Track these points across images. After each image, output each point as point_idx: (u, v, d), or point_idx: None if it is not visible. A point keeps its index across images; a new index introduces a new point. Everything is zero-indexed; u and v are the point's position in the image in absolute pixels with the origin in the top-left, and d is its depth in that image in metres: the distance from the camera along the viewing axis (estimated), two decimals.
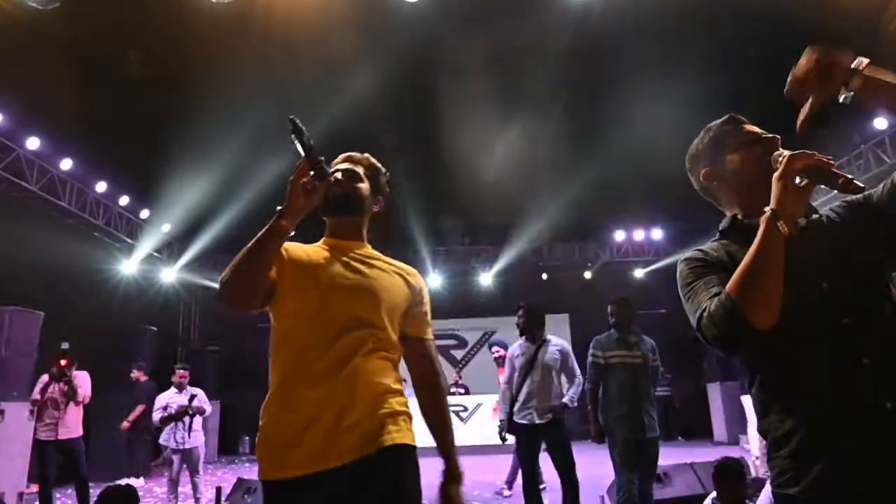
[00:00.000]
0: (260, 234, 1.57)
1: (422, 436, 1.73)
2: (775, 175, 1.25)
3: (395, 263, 1.83)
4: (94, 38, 7.19)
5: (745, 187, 1.44)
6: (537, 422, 4.62)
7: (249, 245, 1.56)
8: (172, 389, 6.26)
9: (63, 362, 6.16)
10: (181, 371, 6.33)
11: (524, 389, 4.73)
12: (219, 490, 6.20)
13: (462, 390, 12.06)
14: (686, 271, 1.42)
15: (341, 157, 1.90)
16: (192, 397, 6.14)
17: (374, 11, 7.11)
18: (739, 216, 1.46)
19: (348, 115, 7.62)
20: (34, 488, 6.53)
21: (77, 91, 7.39)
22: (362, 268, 1.72)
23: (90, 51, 7.32)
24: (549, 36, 7.57)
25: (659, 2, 6.94)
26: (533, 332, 4.89)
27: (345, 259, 1.73)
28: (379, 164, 1.94)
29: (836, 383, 1.20)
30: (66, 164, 9.59)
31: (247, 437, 12.91)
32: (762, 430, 1.32)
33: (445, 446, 1.77)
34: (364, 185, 1.85)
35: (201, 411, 6.16)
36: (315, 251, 1.76)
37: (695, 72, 7.15)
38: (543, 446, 4.72)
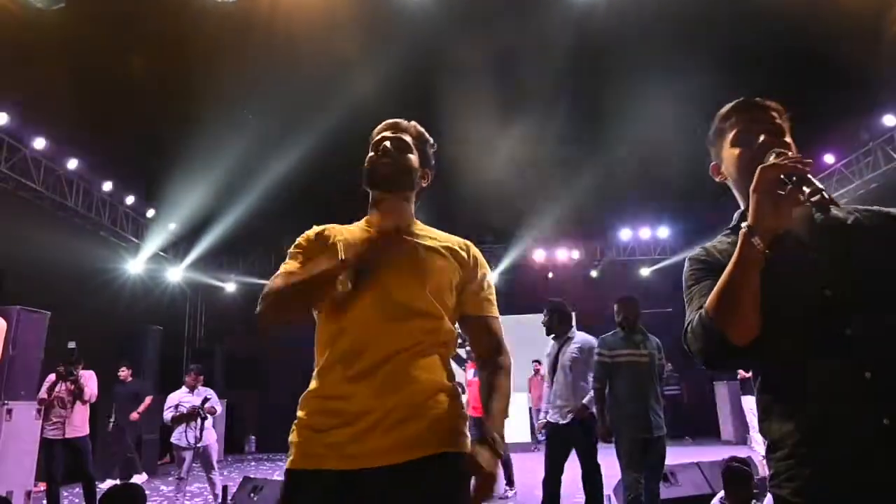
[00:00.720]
0: (316, 273, 1.46)
1: None
2: (751, 188, 1.21)
3: (445, 237, 1.68)
4: (99, 39, 7.20)
5: (745, 186, 1.38)
6: (561, 422, 4.62)
7: (303, 279, 1.47)
8: (184, 389, 6.25)
9: (66, 364, 6.18)
10: (195, 373, 6.32)
11: (553, 389, 4.78)
12: (225, 489, 6.22)
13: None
14: (687, 273, 1.40)
15: (386, 123, 1.74)
16: (206, 400, 6.14)
17: (378, 11, 7.11)
18: (747, 211, 1.40)
19: (352, 115, 7.61)
20: (41, 487, 6.55)
21: (83, 91, 7.42)
22: (412, 250, 1.57)
23: (96, 51, 7.34)
24: (552, 35, 7.55)
25: (662, 1, 6.92)
26: (556, 330, 4.90)
27: (405, 239, 1.57)
28: (426, 134, 1.77)
29: (834, 395, 1.18)
30: (73, 163, 9.63)
31: (253, 437, 12.95)
32: (762, 432, 1.32)
33: (489, 413, 1.56)
34: (413, 157, 1.69)
35: (212, 412, 6.16)
36: (360, 233, 1.62)
37: (699, 70, 7.11)
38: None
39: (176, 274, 13.38)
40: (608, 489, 4.86)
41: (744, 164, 1.36)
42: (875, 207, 1.35)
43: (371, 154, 1.68)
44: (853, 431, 1.15)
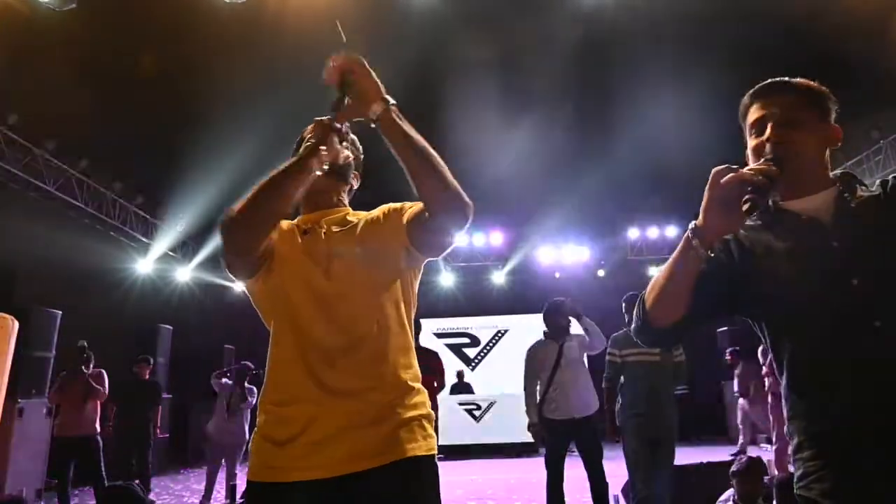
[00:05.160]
0: (286, 165, 1.44)
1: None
2: (706, 186, 1.20)
3: (372, 213, 1.62)
4: (110, 39, 7.25)
5: None
6: (575, 416, 4.57)
7: (271, 175, 1.42)
8: (224, 380, 6.73)
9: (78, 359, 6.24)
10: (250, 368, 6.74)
11: (554, 386, 4.70)
12: (233, 488, 6.25)
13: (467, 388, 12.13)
14: None
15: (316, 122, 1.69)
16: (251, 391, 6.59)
17: (386, 9, 7.12)
18: (777, 199, 1.34)
19: None
20: (52, 484, 6.61)
21: (93, 91, 7.47)
22: (345, 239, 1.53)
23: (106, 51, 7.39)
24: (560, 33, 7.53)
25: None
26: (558, 330, 4.87)
27: (328, 231, 1.55)
28: (359, 145, 1.77)
29: (861, 391, 1.14)
30: (83, 164, 9.69)
31: None
32: (788, 431, 1.27)
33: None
34: (349, 154, 1.67)
35: (252, 393, 6.61)
36: (296, 227, 1.58)
37: (707, 69, 7.09)
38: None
39: (185, 274, 13.45)
40: (615, 489, 4.84)
41: (754, 156, 1.32)
42: None
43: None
44: (885, 429, 1.10)
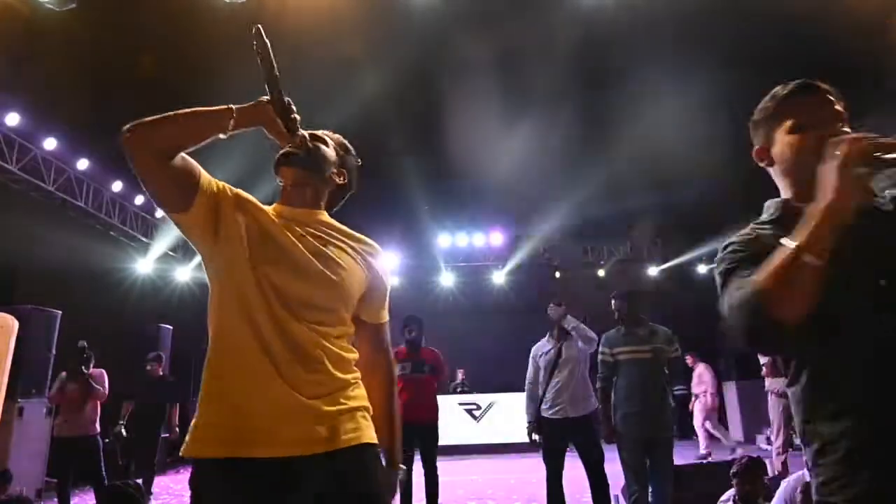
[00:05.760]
0: (209, 109, 1.53)
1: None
2: (830, 163, 1.10)
3: (357, 237, 1.66)
4: (109, 39, 7.25)
5: (801, 175, 1.27)
6: (571, 415, 4.57)
7: (193, 109, 1.51)
8: None
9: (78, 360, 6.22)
10: None
11: (552, 386, 4.70)
12: None
13: (467, 388, 12.14)
14: (730, 251, 1.30)
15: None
16: None
17: (385, 10, 7.11)
18: (792, 200, 1.31)
19: (358, 114, 7.62)
20: (52, 484, 6.61)
21: (93, 91, 7.47)
22: (320, 246, 1.55)
23: (105, 51, 7.39)
24: (558, 34, 7.53)
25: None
26: (556, 329, 4.88)
27: (301, 232, 1.55)
28: (351, 148, 1.80)
29: (888, 391, 1.11)
30: (83, 163, 9.69)
31: None
32: (807, 434, 1.22)
33: (390, 438, 1.62)
34: (328, 150, 1.69)
35: None
36: (270, 215, 1.58)
37: (707, 70, 7.09)
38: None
39: (185, 273, 13.45)
40: (616, 489, 4.84)
41: (808, 149, 1.25)
42: None
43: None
44: None
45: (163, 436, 7.38)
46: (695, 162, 8.12)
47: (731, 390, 11.82)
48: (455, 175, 9.89)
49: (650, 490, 4.19)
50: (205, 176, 1.52)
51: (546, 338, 4.97)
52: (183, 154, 1.49)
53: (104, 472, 6.13)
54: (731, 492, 3.60)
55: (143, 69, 7.73)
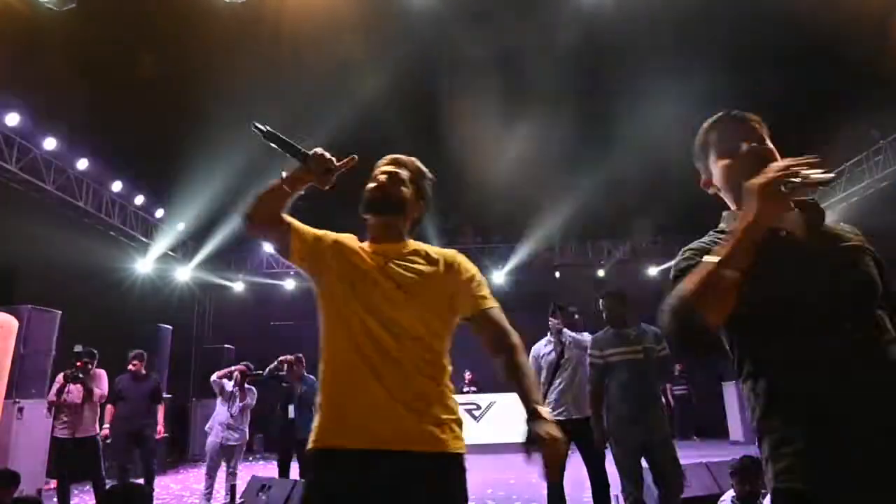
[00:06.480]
0: (266, 186, 1.79)
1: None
2: (750, 183, 1.23)
3: (435, 252, 1.85)
4: (109, 39, 7.26)
5: (738, 195, 1.39)
6: (574, 416, 4.53)
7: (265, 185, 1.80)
8: (224, 381, 6.59)
9: (79, 364, 6.18)
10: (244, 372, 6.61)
11: (555, 387, 4.67)
12: (233, 488, 6.25)
13: (475, 388, 12.09)
14: (681, 259, 1.42)
15: (387, 158, 1.92)
16: (251, 391, 6.52)
17: (385, 11, 7.12)
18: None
19: (360, 114, 7.64)
20: (52, 484, 6.60)
21: (92, 91, 7.47)
22: (405, 273, 1.75)
23: (105, 52, 7.40)
24: (559, 34, 7.54)
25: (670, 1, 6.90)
26: (560, 330, 4.86)
27: (388, 265, 1.76)
28: (425, 169, 1.96)
29: (836, 389, 1.21)
30: (83, 164, 9.69)
31: (260, 435, 12.96)
32: (764, 428, 1.30)
33: (527, 398, 1.76)
34: (406, 190, 1.86)
35: (252, 394, 6.53)
36: (361, 255, 1.80)
37: (707, 70, 7.09)
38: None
39: (185, 273, 13.45)
40: (616, 489, 4.83)
41: (733, 173, 1.39)
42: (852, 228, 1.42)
43: (369, 184, 1.87)
44: (859, 430, 1.17)
45: (157, 436, 7.31)
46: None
47: (730, 391, 11.83)
48: (455, 175, 9.90)
49: (658, 493, 4.12)
50: (298, 231, 1.81)
51: (546, 338, 4.96)
52: (285, 217, 1.80)
53: (104, 473, 6.13)
54: (730, 492, 3.61)
55: (143, 69, 7.73)
